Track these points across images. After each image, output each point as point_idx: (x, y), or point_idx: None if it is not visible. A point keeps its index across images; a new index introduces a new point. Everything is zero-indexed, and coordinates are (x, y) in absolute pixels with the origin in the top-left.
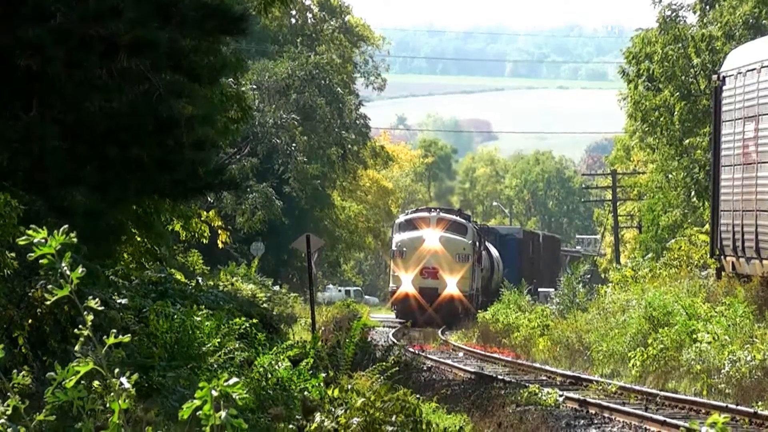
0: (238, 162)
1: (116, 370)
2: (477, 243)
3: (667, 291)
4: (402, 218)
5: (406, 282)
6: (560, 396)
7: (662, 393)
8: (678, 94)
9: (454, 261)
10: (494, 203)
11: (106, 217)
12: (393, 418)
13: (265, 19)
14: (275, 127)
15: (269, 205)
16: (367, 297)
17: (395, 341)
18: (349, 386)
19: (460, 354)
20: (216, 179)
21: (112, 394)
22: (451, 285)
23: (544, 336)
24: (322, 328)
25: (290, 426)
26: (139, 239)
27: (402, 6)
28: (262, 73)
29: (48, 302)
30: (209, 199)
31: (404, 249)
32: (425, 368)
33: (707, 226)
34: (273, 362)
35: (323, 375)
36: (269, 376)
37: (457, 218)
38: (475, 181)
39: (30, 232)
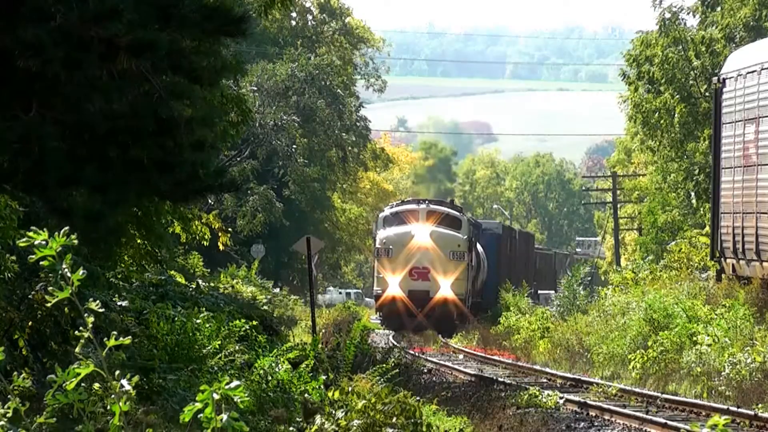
0: (239, 164)
1: (117, 373)
2: (472, 239)
3: (668, 293)
4: (387, 211)
5: (393, 284)
6: (560, 398)
7: (663, 395)
8: (678, 96)
9: (447, 260)
10: (495, 206)
11: (106, 219)
12: (393, 421)
13: (265, 21)
14: (275, 129)
15: (270, 207)
16: (367, 299)
17: (395, 343)
18: (350, 388)
19: (461, 356)
20: (216, 181)
21: (112, 396)
22: (445, 287)
23: (545, 338)
24: (323, 331)
25: (291, 428)
26: (139, 241)
27: (402, 8)
28: (262, 75)
29: (48, 304)
30: (210, 201)
31: (390, 247)
32: (425, 370)
33: (707, 228)
34: (273, 364)
35: (323, 377)
36: (270, 378)
37: (450, 211)
38: (475, 184)
39: (31, 234)
